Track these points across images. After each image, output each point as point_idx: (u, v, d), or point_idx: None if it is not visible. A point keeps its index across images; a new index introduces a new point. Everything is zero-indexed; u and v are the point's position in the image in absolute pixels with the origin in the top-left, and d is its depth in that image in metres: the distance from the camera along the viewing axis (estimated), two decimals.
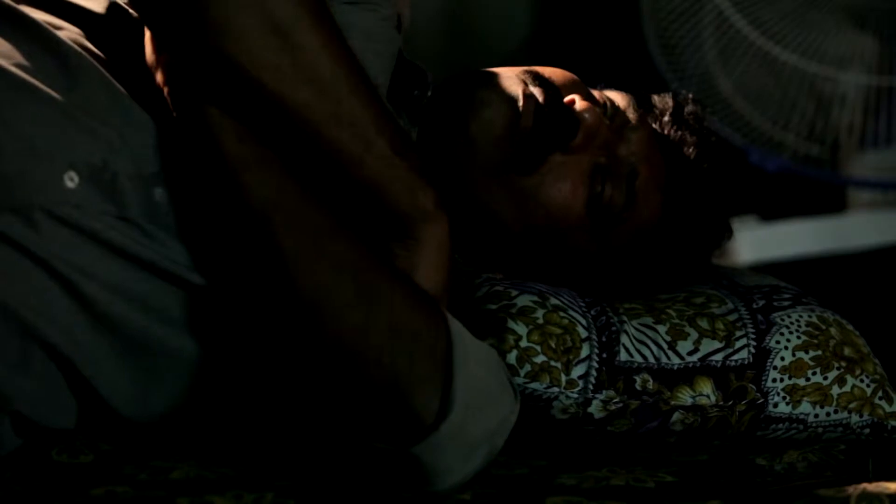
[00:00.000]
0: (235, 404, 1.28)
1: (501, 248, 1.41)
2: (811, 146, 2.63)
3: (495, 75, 1.41)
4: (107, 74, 1.22)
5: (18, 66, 1.19)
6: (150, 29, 1.21)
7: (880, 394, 1.43)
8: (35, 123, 1.18)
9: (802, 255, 2.68)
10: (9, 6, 1.23)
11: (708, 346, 1.40)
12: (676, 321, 1.41)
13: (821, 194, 2.75)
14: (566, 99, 1.39)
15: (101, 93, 1.21)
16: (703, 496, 1.23)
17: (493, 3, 2.87)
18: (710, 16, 2.58)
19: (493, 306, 1.36)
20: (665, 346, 1.39)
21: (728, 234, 1.52)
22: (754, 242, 2.58)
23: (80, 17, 1.27)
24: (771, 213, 2.70)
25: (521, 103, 1.37)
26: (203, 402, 1.27)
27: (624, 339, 1.37)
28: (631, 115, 1.43)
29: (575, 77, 1.45)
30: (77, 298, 1.20)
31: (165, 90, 1.21)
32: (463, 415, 1.16)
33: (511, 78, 1.40)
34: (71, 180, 1.19)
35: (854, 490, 1.20)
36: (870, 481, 1.24)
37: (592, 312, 1.38)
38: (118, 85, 1.22)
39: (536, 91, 1.38)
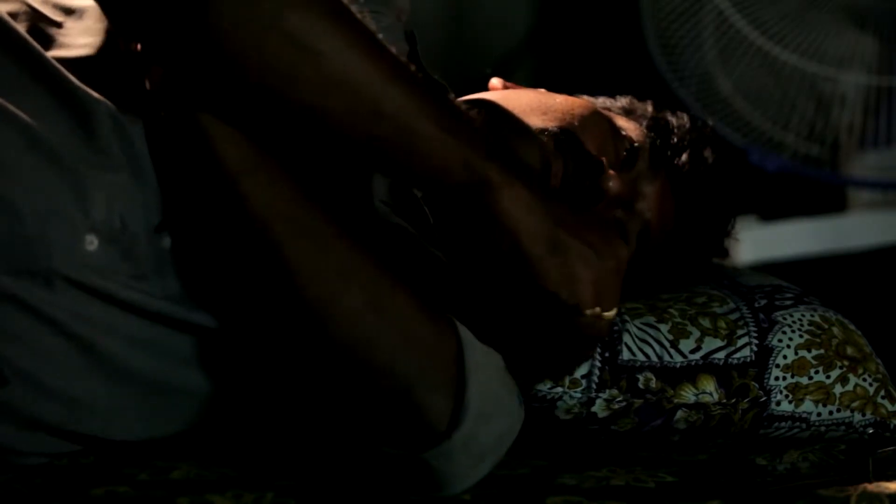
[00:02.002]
0: (244, 413, 1.28)
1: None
2: (811, 146, 2.64)
3: (524, 128, 1.36)
4: (119, 119, 1.19)
5: (36, 121, 1.16)
6: (151, 51, 1.16)
7: (882, 393, 1.43)
8: (55, 184, 1.16)
9: (802, 255, 2.68)
10: (27, 48, 1.19)
11: (710, 344, 1.40)
12: (678, 320, 1.41)
13: (821, 194, 2.75)
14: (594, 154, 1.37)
15: (114, 143, 1.18)
16: (703, 496, 1.22)
17: (492, 2, 2.87)
18: (710, 16, 2.58)
19: None
20: (667, 344, 1.39)
21: (732, 229, 1.53)
22: (754, 242, 2.58)
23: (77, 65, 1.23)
24: (771, 213, 2.70)
25: (550, 169, 1.34)
26: (211, 420, 1.27)
27: (626, 338, 1.37)
28: (646, 160, 1.43)
29: (595, 111, 1.42)
30: (94, 357, 1.18)
31: (158, 100, 1.18)
32: (475, 423, 1.16)
33: (540, 135, 1.36)
34: (91, 243, 1.17)
35: (854, 490, 1.20)
36: (870, 481, 1.23)
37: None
38: (127, 130, 1.19)
39: (565, 158, 1.35)
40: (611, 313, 1.19)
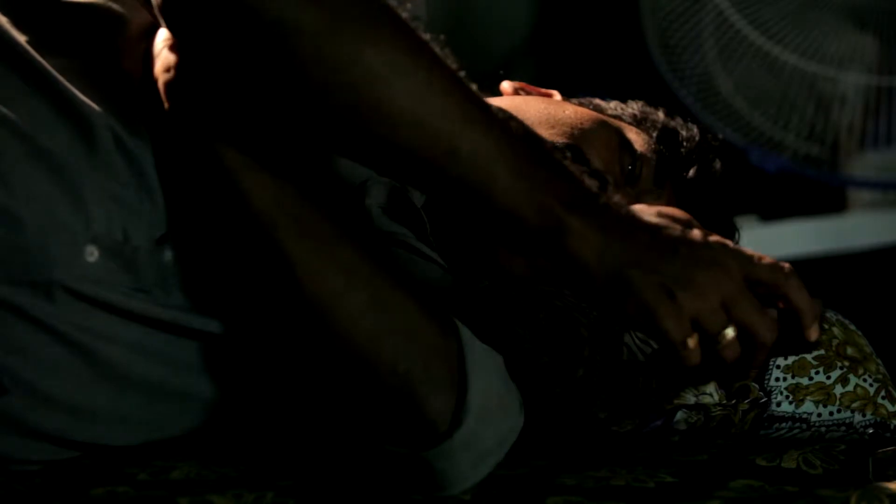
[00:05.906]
0: (248, 416, 1.28)
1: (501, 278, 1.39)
2: (811, 146, 2.63)
3: None
4: (119, 132, 1.18)
5: (36, 131, 1.15)
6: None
7: (883, 393, 1.43)
8: (55, 195, 1.15)
9: (802, 255, 2.68)
10: (27, 58, 1.18)
11: None
12: None
13: (821, 194, 2.75)
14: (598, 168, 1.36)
15: (117, 156, 1.18)
16: (703, 496, 1.22)
17: (493, 2, 2.87)
18: (710, 16, 2.58)
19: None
20: None
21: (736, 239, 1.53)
22: (754, 242, 2.57)
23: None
24: (771, 213, 2.70)
25: None
26: (214, 424, 1.27)
27: (626, 338, 1.37)
28: (652, 174, 1.43)
29: (604, 123, 1.42)
30: (96, 366, 1.18)
31: (161, 93, 1.18)
32: (476, 423, 1.15)
33: None
34: (91, 254, 1.16)
35: (854, 490, 1.20)
36: (870, 481, 1.23)
37: (594, 313, 1.38)
38: (128, 144, 1.19)
39: None
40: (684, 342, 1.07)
